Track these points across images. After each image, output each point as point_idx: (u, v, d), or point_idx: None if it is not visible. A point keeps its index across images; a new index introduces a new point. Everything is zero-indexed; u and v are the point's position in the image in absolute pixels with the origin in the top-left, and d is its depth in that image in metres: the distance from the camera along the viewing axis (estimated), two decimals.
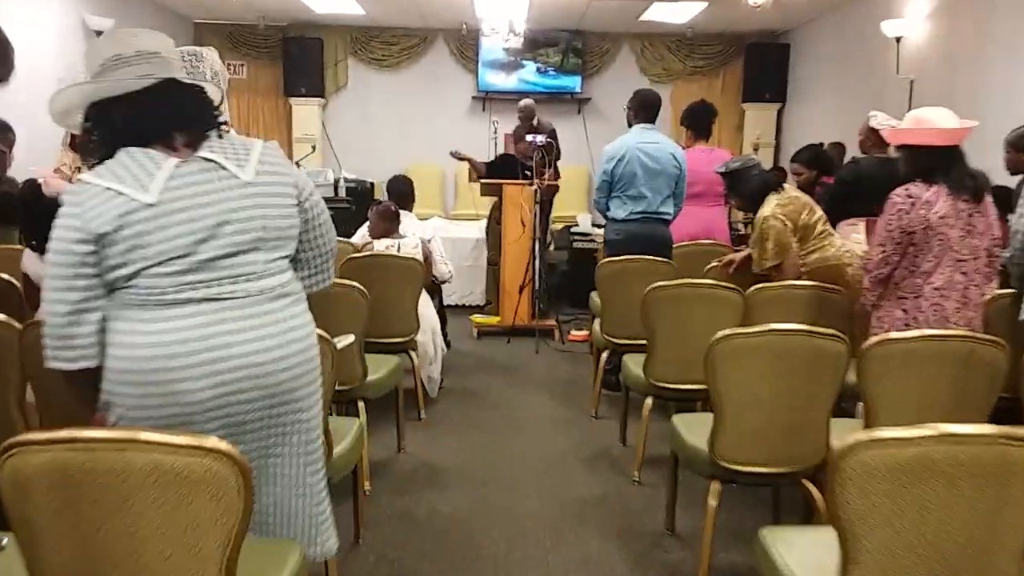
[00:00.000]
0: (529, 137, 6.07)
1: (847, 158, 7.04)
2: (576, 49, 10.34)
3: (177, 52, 2.08)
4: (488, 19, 8.82)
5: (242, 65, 10.34)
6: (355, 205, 8.54)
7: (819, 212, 4.03)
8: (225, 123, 1.98)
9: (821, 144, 5.79)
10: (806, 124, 9.64)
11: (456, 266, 7.63)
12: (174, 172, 1.79)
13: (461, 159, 7.17)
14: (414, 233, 5.07)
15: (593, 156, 10.51)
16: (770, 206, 3.93)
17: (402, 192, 5.42)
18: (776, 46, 10.23)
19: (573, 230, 8.07)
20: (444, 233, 7.65)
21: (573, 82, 10.41)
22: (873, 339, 2.72)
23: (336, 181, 8.19)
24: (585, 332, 6.50)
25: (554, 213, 7.47)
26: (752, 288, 3.70)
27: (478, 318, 6.63)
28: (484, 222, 7.26)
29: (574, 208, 9.79)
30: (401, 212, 5.03)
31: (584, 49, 10.37)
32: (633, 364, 3.94)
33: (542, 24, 9.81)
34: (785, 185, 4.15)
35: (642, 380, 3.78)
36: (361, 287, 3.58)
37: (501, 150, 9.17)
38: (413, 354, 4.48)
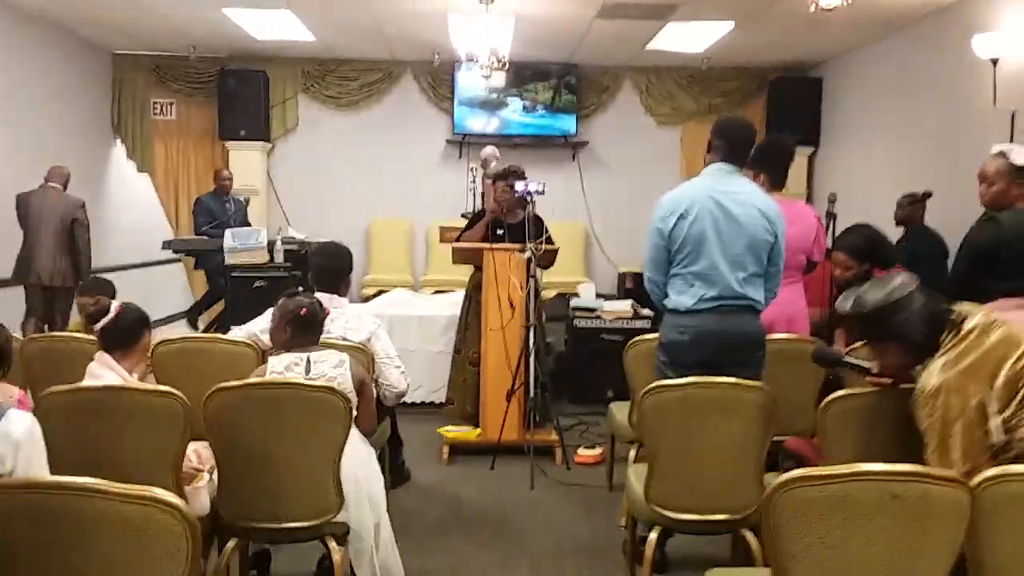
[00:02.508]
0: (519, 186, 4.36)
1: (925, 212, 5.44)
2: (570, 85, 8.75)
3: None
4: (465, 48, 7.19)
5: (171, 104, 8.65)
6: (298, 273, 6.79)
7: None
8: None
9: (868, 226, 3.81)
10: (845, 171, 8.05)
11: (423, 353, 5.92)
12: None
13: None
14: (345, 331, 3.33)
15: (590, 209, 8.89)
16: (937, 369, 2.19)
17: (331, 271, 3.66)
18: (806, 81, 8.69)
19: (574, 303, 6.33)
20: (409, 310, 5.91)
21: (567, 123, 8.79)
22: None
23: (271, 244, 6.44)
24: (598, 451, 4.72)
25: (544, 277, 5.75)
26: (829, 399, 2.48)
27: (450, 431, 4.82)
28: (461, 295, 5.53)
29: (570, 272, 8.09)
30: (326, 299, 3.29)
31: (579, 85, 8.78)
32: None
33: (530, 55, 8.22)
34: (956, 309, 2.31)
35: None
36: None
37: (479, 202, 7.51)
38: (335, 547, 2.68)
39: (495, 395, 4.66)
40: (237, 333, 3.50)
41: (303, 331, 2.83)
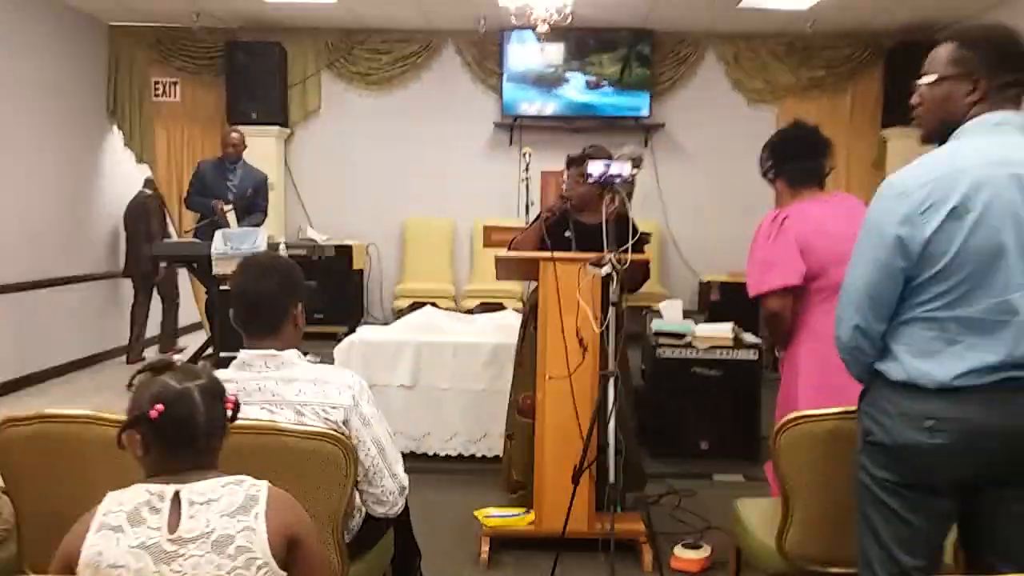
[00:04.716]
0: (595, 168, 2.91)
1: None
2: (642, 56, 7.27)
3: None
4: (516, 2, 5.78)
5: (174, 83, 7.42)
6: (311, 284, 5.48)
7: None
8: None
9: None
10: None
11: (460, 393, 4.54)
12: None
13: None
14: (301, 405, 1.97)
15: (666, 206, 7.43)
16: None
17: (267, 302, 2.08)
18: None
19: (657, 326, 4.89)
20: (441, 335, 4.55)
21: (638, 102, 7.31)
22: None
23: (273, 247, 5.13)
24: (704, 553, 3.27)
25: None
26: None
27: (492, 517, 3.41)
28: (516, 320, 4.15)
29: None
30: (260, 357, 1.93)
31: (654, 56, 7.29)
32: None
33: (594, 20, 6.78)
34: None
35: None
36: None
37: (536, 197, 6.12)
38: None
39: (554, 469, 3.25)
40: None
41: (168, 446, 1.45)
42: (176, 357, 1.81)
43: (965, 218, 1.65)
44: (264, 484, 1.48)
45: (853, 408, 2.06)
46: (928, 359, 1.68)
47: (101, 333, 6.98)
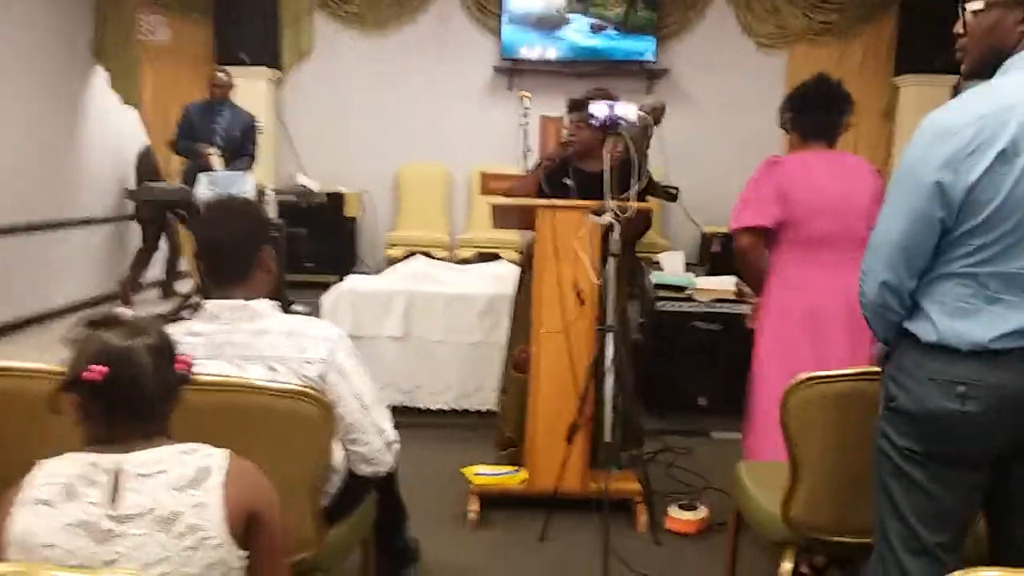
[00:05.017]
0: (598, 110, 2.72)
1: None
2: None
3: None
4: None
5: (161, 21, 7.12)
6: (301, 231, 5.34)
7: None
8: None
9: None
10: None
11: (453, 345, 4.39)
12: None
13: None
14: (273, 359, 1.81)
15: (668, 155, 7.16)
16: None
17: (231, 251, 1.91)
18: None
19: (657, 279, 4.74)
20: (432, 285, 4.39)
21: (643, 46, 7.04)
22: None
23: (260, 193, 4.93)
24: (700, 515, 3.16)
25: None
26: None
27: (480, 475, 3.28)
28: (513, 271, 3.99)
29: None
30: (230, 307, 1.78)
31: None
32: None
33: None
34: None
35: None
36: None
37: (534, 144, 5.92)
38: None
39: (548, 426, 3.11)
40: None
41: (110, 412, 1.28)
42: (123, 310, 1.65)
43: (1015, 162, 1.47)
44: (220, 453, 1.33)
45: (871, 369, 1.92)
46: (964, 319, 1.52)
47: (103, 277, 6.80)
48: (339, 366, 1.89)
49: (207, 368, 1.77)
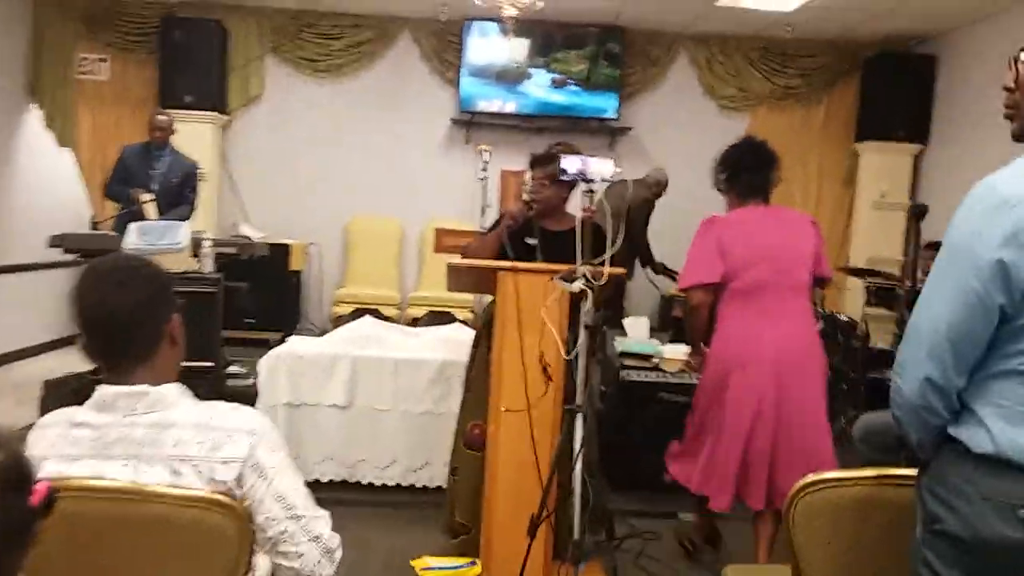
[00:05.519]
0: (570, 164, 2.46)
1: None
2: (611, 55, 6.86)
3: None
4: None
5: (103, 61, 6.79)
6: (242, 285, 4.97)
7: None
8: None
9: None
10: (963, 176, 6.13)
11: (400, 415, 4.04)
12: None
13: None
14: (178, 462, 1.46)
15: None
16: None
17: (125, 321, 1.49)
18: (912, 59, 6.79)
19: (621, 346, 4.47)
20: (380, 349, 4.07)
21: (605, 103, 6.90)
22: None
23: (196, 243, 4.56)
24: None
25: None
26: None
27: (431, 570, 2.91)
28: (467, 335, 3.68)
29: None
30: (126, 394, 1.43)
31: (623, 55, 6.89)
32: None
33: (562, 13, 6.36)
34: None
35: None
36: None
37: (494, 199, 5.66)
38: None
39: (507, 515, 2.77)
40: None
41: None
42: None
43: (1013, 239, 1.23)
44: None
45: (891, 472, 1.65)
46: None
47: (36, 328, 6.30)
48: (258, 464, 1.54)
49: (95, 471, 1.42)
